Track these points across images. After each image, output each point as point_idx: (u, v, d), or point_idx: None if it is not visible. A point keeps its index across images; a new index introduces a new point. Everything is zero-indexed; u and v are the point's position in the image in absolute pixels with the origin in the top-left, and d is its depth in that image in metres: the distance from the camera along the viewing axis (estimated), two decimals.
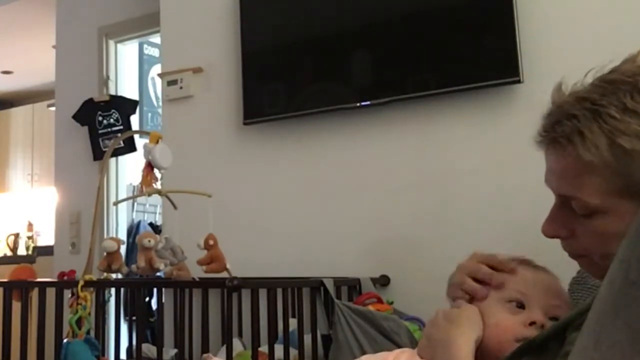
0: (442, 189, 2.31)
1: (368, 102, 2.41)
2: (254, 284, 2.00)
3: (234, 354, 1.93)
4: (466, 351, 0.90)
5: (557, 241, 0.94)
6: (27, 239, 6.03)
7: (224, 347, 2.07)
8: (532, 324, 0.92)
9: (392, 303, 2.17)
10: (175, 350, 2.40)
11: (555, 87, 0.90)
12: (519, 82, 2.14)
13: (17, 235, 6.03)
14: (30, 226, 6.10)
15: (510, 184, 2.17)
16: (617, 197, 0.82)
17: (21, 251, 5.95)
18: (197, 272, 2.28)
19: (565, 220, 0.89)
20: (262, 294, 1.94)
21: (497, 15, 2.20)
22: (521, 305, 0.95)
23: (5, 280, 2.41)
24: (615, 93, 0.82)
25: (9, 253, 5.90)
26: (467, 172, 2.27)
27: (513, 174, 2.17)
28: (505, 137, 2.21)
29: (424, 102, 2.35)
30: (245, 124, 2.67)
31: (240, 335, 2.46)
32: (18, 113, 6.44)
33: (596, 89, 0.84)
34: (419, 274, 2.27)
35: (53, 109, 4.33)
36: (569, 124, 0.84)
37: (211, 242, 2.21)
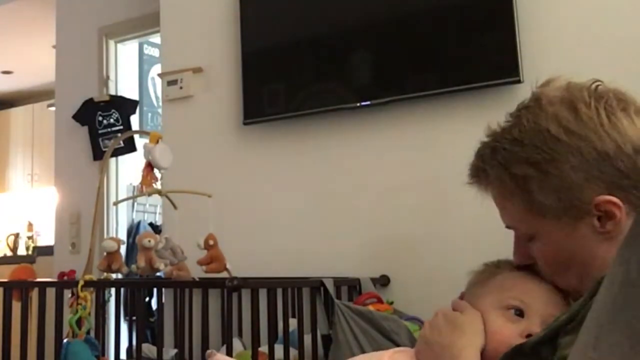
0: (442, 189, 2.31)
1: (368, 102, 2.41)
2: (254, 284, 2.00)
3: (234, 354, 1.93)
4: None
5: None
6: (27, 239, 6.03)
7: (224, 347, 2.07)
8: (529, 335, 0.90)
9: (392, 303, 2.17)
10: (175, 350, 2.40)
11: (485, 127, 1.03)
12: (519, 82, 2.14)
13: (17, 235, 6.04)
14: (30, 226, 6.10)
15: None
16: (537, 218, 0.91)
17: (21, 251, 5.95)
18: (197, 272, 2.28)
19: (523, 249, 0.97)
20: (262, 294, 1.94)
21: (497, 15, 2.20)
22: (520, 313, 0.94)
23: (5, 280, 2.41)
24: (509, 129, 0.95)
25: (9, 253, 5.90)
26: (467, 172, 2.26)
27: None
28: None
29: (424, 102, 2.35)
30: (245, 124, 2.67)
31: (240, 335, 2.46)
32: (18, 113, 6.45)
33: (503, 125, 0.98)
34: (419, 274, 2.27)
35: (53, 109, 4.33)
36: (477, 164, 1.01)
37: (211, 242, 2.21)
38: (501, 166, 0.93)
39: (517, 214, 0.94)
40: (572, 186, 0.87)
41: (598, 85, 0.92)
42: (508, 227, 0.99)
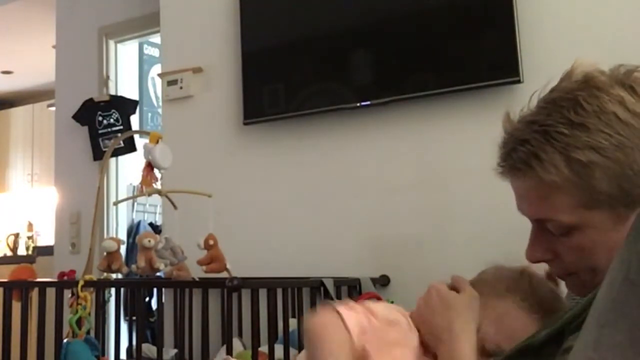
0: (442, 189, 2.31)
1: (368, 102, 2.41)
2: (254, 284, 2.00)
3: (234, 354, 1.93)
4: (471, 345, 0.89)
5: None
6: (27, 239, 6.03)
7: (224, 347, 2.07)
8: None
9: (392, 303, 2.17)
10: (175, 350, 2.40)
11: (504, 118, 0.95)
12: (519, 82, 2.14)
13: (17, 235, 6.03)
14: (30, 226, 6.10)
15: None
16: (587, 210, 0.84)
17: (21, 251, 5.95)
18: (197, 272, 2.28)
19: (546, 243, 0.90)
20: (262, 294, 1.93)
21: (497, 15, 2.20)
22: (490, 356, 0.93)
23: (5, 280, 2.41)
24: (559, 111, 0.85)
25: (9, 253, 5.90)
26: (467, 171, 2.26)
27: None
28: None
29: (424, 102, 2.35)
30: (245, 124, 2.67)
31: (240, 335, 2.46)
32: (18, 113, 6.44)
33: (541, 111, 0.88)
34: (419, 274, 2.27)
35: (53, 109, 4.33)
36: (523, 149, 0.87)
37: (211, 242, 2.21)
38: (559, 151, 0.84)
39: (564, 205, 0.85)
40: (636, 173, 0.82)
41: (632, 70, 0.87)
42: (537, 220, 0.91)
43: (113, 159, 3.79)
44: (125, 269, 2.35)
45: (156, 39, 3.80)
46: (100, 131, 3.81)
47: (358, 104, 2.43)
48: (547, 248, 0.90)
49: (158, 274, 2.38)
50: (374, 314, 0.93)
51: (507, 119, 0.94)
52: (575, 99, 0.85)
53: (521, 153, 0.88)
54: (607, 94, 0.84)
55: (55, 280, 2.39)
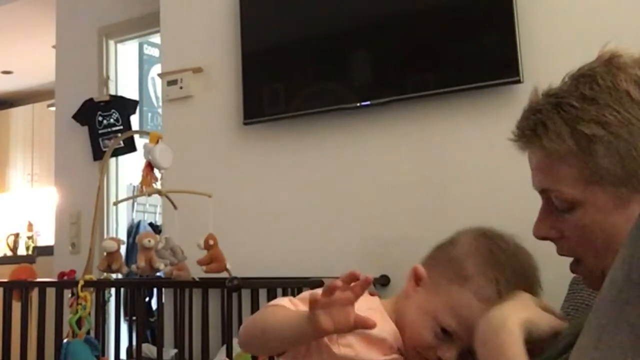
0: (442, 189, 2.31)
1: (368, 102, 2.41)
2: (254, 284, 2.00)
3: (234, 354, 1.93)
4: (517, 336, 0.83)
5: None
6: (27, 239, 6.03)
7: (224, 347, 2.07)
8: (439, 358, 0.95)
9: None
10: (175, 350, 2.40)
11: (531, 91, 0.94)
12: (519, 82, 2.14)
13: (17, 235, 6.03)
14: (30, 226, 6.10)
15: (511, 184, 2.17)
16: (589, 185, 0.84)
17: (21, 251, 5.95)
18: (197, 272, 2.28)
19: (552, 221, 0.90)
20: (262, 294, 1.94)
21: (497, 15, 2.20)
22: (447, 333, 0.95)
23: (5, 280, 2.41)
24: (575, 85, 0.87)
25: (9, 253, 5.90)
26: (467, 171, 2.26)
27: (513, 174, 2.17)
28: (505, 137, 2.20)
29: (424, 102, 2.35)
30: (245, 124, 2.67)
31: None
32: (18, 113, 6.44)
33: (562, 85, 0.89)
34: None
35: (53, 109, 4.33)
36: (534, 117, 0.89)
37: (211, 242, 2.21)
38: (566, 122, 0.85)
39: (566, 177, 0.86)
40: None
41: None
42: (543, 191, 0.91)
43: (113, 159, 3.79)
44: (125, 269, 2.35)
45: (156, 39, 3.80)
46: (100, 131, 3.81)
47: (358, 104, 2.43)
48: (552, 226, 0.90)
49: (158, 274, 2.38)
50: None
51: (534, 92, 0.93)
52: (592, 75, 0.86)
53: (531, 121, 0.89)
54: (625, 72, 0.85)
55: (55, 280, 2.39)
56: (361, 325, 0.86)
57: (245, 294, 2.33)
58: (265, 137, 2.69)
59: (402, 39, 2.39)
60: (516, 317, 0.83)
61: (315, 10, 2.59)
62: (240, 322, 2.45)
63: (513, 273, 0.97)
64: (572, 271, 0.93)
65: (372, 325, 0.85)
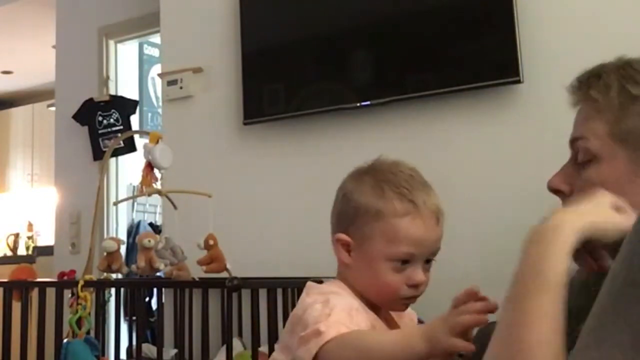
0: (442, 189, 2.30)
1: (368, 102, 2.41)
2: (254, 284, 2.00)
3: (234, 354, 1.93)
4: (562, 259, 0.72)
5: None
6: (27, 239, 6.03)
7: (224, 347, 2.07)
8: (414, 285, 0.98)
9: None
10: (175, 350, 2.40)
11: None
12: (519, 82, 2.14)
13: (17, 235, 6.03)
14: (30, 226, 6.10)
15: (511, 184, 2.17)
16: (614, 142, 0.87)
17: (21, 251, 5.95)
18: (197, 272, 2.28)
19: (568, 175, 0.93)
20: (262, 294, 1.93)
21: (497, 15, 2.20)
22: (406, 262, 0.98)
23: (5, 280, 2.41)
24: None
25: (9, 253, 5.90)
26: (467, 171, 2.26)
27: (513, 174, 2.17)
28: (506, 137, 2.21)
29: (424, 102, 2.35)
30: (245, 124, 2.67)
31: (240, 335, 2.46)
32: (18, 113, 6.44)
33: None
34: None
35: (53, 109, 4.33)
36: (594, 69, 0.93)
37: (211, 242, 2.21)
38: (619, 78, 0.89)
39: (597, 130, 0.89)
40: None
41: None
42: (573, 141, 0.93)
43: (113, 159, 3.79)
44: (125, 269, 2.35)
45: (156, 39, 3.80)
46: (100, 131, 3.81)
47: (358, 104, 2.43)
48: (565, 180, 0.93)
49: (158, 274, 2.38)
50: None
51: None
52: None
53: (589, 72, 0.93)
54: None
55: (55, 280, 2.39)
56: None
57: (245, 294, 2.33)
58: (265, 137, 2.68)
59: (402, 39, 2.39)
60: (578, 221, 0.75)
61: (315, 10, 2.59)
62: (240, 322, 2.46)
63: (403, 179, 1.05)
64: None
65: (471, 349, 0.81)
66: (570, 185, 0.93)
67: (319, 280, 2.03)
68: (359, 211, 1.01)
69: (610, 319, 0.49)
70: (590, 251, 0.79)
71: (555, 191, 0.95)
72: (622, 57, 0.93)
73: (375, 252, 0.99)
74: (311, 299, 0.96)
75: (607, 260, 0.81)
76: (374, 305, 1.02)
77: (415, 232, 0.98)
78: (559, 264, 0.69)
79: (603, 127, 0.88)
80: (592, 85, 0.91)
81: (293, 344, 0.91)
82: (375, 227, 0.99)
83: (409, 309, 1.08)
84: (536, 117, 2.15)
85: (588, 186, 0.87)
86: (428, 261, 1.02)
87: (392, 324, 1.04)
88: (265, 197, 2.66)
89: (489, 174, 2.23)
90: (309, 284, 1.03)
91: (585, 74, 0.94)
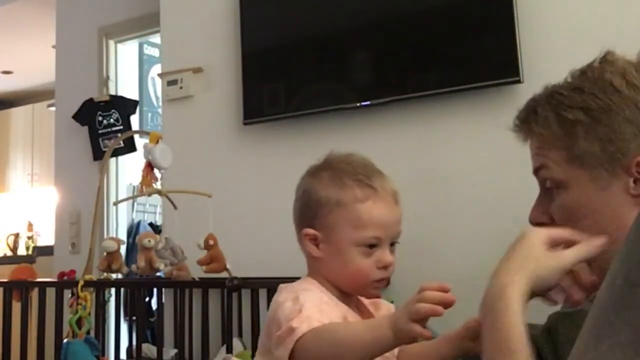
0: (442, 189, 2.31)
1: (368, 102, 2.41)
2: (254, 284, 2.00)
3: (234, 354, 1.93)
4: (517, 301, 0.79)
5: None
6: (27, 239, 6.03)
7: (224, 347, 2.07)
8: (384, 267, 1.00)
9: (392, 302, 2.17)
10: (175, 350, 2.40)
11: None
12: (519, 82, 2.14)
13: (17, 235, 6.03)
14: (30, 226, 6.10)
15: (511, 184, 2.17)
16: (573, 167, 0.90)
17: (21, 251, 5.95)
18: (197, 272, 2.28)
19: (545, 206, 0.96)
20: (262, 294, 1.94)
21: (497, 15, 2.20)
22: (373, 246, 1.00)
23: (5, 280, 2.41)
24: (570, 78, 0.95)
25: (9, 253, 5.90)
26: (467, 171, 2.26)
27: (513, 174, 2.17)
28: (506, 137, 2.20)
29: (424, 102, 2.35)
30: (245, 124, 2.67)
31: (240, 335, 2.46)
32: (18, 113, 6.44)
33: (562, 80, 0.96)
34: (419, 274, 2.26)
35: (53, 109, 4.33)
36: (528, 107, 0.97)
37: (211, 242, 2.21)
38: (553, 108, 0.92)
39: (554, 158, 0.93)
40: (619, 138, 0.87)
41: None
42: (537, 173, 0.97)
43: (113, 159, 3.79)
44: (125, 269, 2.35)
45: (156, 39, 3.80)
46: (100, 131, 3.81)
47: (358, 104, 2.43)
48: (544, 211, 0.96)
49: (158, 274, 2.38)
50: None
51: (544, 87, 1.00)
52: (584, 70, 0.94)
53: (525, 110, 0.97)
54: (612, 66, 0.92)
55: (55, 280, 2.39)
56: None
57: (245, 294, 2.33)
58: (265, 137, 2.69)
59: (402, 39, 2.39)
60: (516, 280, 0.79)
61: (315, 10, 2.59)
62: (240, 322, 2.46)
63: (359, 167, 1.08)
64: None
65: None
66: (549, 215, 0.95)
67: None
68: (321, 203, 1.05)
69: (609, 319, 0.49)
70: (543, 294, 0.84)
71: (537, 224, 0.96)
72: (547, 85, 0.97)
73: (343, 240, 1.01)
74: (281, 298, 0.98)
75: (563, 294, 0.85)
76: (346, 297, 1.04)
77: (378, 215, 1.01)
78: (517, 330, 0.74)
79: (559, 154, 0.92)
80: (532, 122, 0.95)
81: (272, 345, 0.92)
82: (340, 216, 1.02)
83: (387, 302, 1.11)
84: None
85: (565, 210, 0.92)
86: (392, 244, 1.05)
87: (366, 314, 1.06)
88: (265, 197, 2.66)
89: (489, 173, 2.23)
90: (281, 285, 1.05)
91: (522, 113, 0.97)
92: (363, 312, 1.06)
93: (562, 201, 0.92)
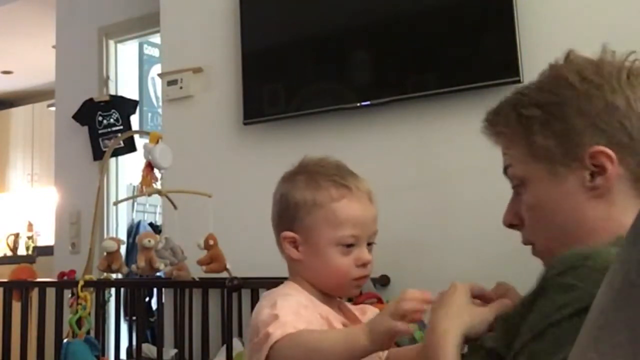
0: (442, 189, 2.31)
1: (368, 102, 2.41)
2: (254, 284, 2.00)
3: (234, 354, 1.93)
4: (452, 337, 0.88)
5: None
6: (27, 239, 6.03)
7: (224, 347, 2.07)
8: (363, 265, 1.03)
9: None
10: (175, 350, 2.40)
11: None
12: (519, 82, 2.13)
13: (17, 235, 6.03)
14: (30, 226, 6.10)
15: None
16: (532, 162, 0.93)
17: (21, 251, 5.95)
18: (197, 272, 2.28)
19: (516, 207, 0.99)
20: (262, 294, 1.93)
21: (497, 15, 2.20)
22: (351, 245, 1.02)
23: (5, 280, 2.41)
24: (534, 79, 0.99)
25: (9, 253, 5.90)
26: (467, 171, 2.26)
27: None
28: None
29: (424, 102, 2.35)
30: (245, 124, 2.67)
31: (240, 335, 2.46)
32: (18, 113, 6.44)
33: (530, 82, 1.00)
34: (419, 274, 2.27)
35: (53, 109, 4.33)
36: (493, 109, 1.00)
37: (211, 242, 2.22)
38: (513, 107, 0.96)
39: (516, 155, 0.96)
40: (573, 131, 0.89)
41: (637, 60, 0.95)
42: (505, 172, 1.01)
43: (113, 159, 3.79)
44: (125, 269, 2.35)
45: (156, 39, 3.80)
46: (100, 131, 3.81)
47: (358, 104, 2.43)
48: (515, 213, 0.99)
49: (158, 274, 2.38)
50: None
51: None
52: (547, 69, 0.99)
53: (491, 111, 1.00)
54: (570, 64, 0.97)
55: (55, 280, 2.40)
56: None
57: (245, 294, 2.33)
58: (265, 137, 2.69)
59: (402, 39, 2.39)
60: (452, 331, 0.87)
61: (315, 10, 2.59)
62: (240, 322, 2.46)
63: (332, 169, 1.10)
64: (533, 255, 0.98)
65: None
66: (519, 216, 0.98)
67: None
68: (299, 205, 1.06)
69: (608, 320, 0.49)
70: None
71: (510, 226, 1.00)
72: (516, 87, 1.01)
73: (322, 240, 1.03)
74: (261, 305, 0.99)
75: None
76: (328, 299, 1.05)
77: (354, 212, 1.04)
78: None
79: (520, 150, 0.94)
80: (495, 123, 0.98)
81: (251, 352, 0.94)
82: (317, 216, 1.03)
83: (374, 308, 1.12)
84: None
85: (530, 209, 0.94)
86: (369, 244, 1.08)
87: (349, 316, 1.07)
88: (266, 197, 2.65)
89: (489, 174, 2.23)
90: (265, 292, 1.06)
91: (488, 114, 1.00)
92: (346, 314, 1.07)
93: (526, 199, 0.95)
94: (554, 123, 0.90)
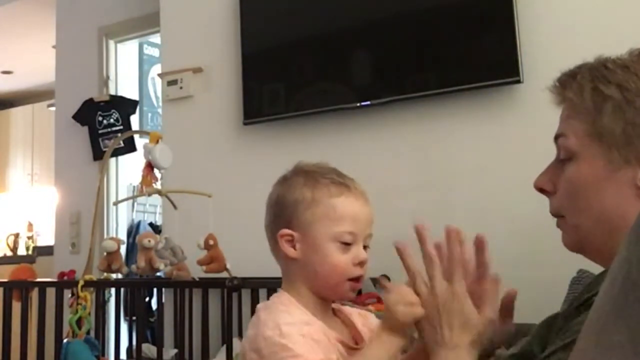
0: (442, 189, 2.31)
1: (368, 102, 2.41)
2: (254, 284, 2.00)
3: (234, 354, 1.93)
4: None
5: (559, 241, 0.95)
6: (27, 239, 6.03)
7: (224, 347, 2.07)
8: (360, 263, 1.03)
9: None
10: (175, 350, 2.40)
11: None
12: (519, 82, 2.14)
13: (17, 235, 6.03)
14: (30, 226, 6.10)
15: (511, 184, 2.17)
16: (590, 140, 0.89)
17: (21, 251, 5.95)
18: (197, 272, 2.28)
19: (553, 174, 0.96)
20: (262, 294, 1.94)
21: (497, 15, 2.20)
22: (348, 244, 1.03)
23: (5, 280, 2.41)
24: (626, 55, 0.93)
25: (9, 253, 5.90)
26: (467, 171, 2.26)
27: (513, 174, 2.17)
28: (506, 136, 2.21)
29: (424, 102, 2.35)
30: (245, 124, 2.67)
31: (240, 335, 2.46)
32: (18, 113, 6.44)
33: (618, 55, 0.94)
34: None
35: (53, 109, 4.33)
36: (571, 71, 0.94)
37: (211, 242, 2.22)
38: (592, 79, 0.91)
39: (575, 128, 0.92)
40: None
41: None
42: (556, 138, 0.96)
43: (113, 159, 3.79)
44: (125, 269, 2.35)
45: (156, 39, 3.80)
46: (100, 131, 3.82)
47: (358, 104, 2.43)
48: (550, 178, 0.96)
49: (158, 274, 2.38)
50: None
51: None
52: (636, 50, 0.93)
53: (566, 74, 0.95)
54: None
55: (55, 280, 2.40)
56: None
57: (245, 293, 2.33)
58: (265, 137, 2.68)
59: (402, 39, 2.39)
60: (462, 344, 0.91)
61: (315, 10, 2.59)
62: (240, 322, 2.46)
63: (328, 170, 1.11)
64: (557, 226, 0.97)
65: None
66: (554, 183, 0.95)
67: None
68: (297, 202, 1.07)
69: (609, 320, 0.49)
70: None
71: (540, 190, 0.97)
72: (600, 56, 0.95)
73: (320, 235, 1.03)
74: (264, 327, 0.97)
75: None
76: (322, 308, 1.04)
77: (352, 209, 1.05)
78: None
79: (581, 125, 0.91)
80: (567, 86, 0.93)
81: None
82: (316, 212, 1.04)
83: (375, 318, 1.11)
84: (536, 117, 2.14)
85: (570, 182, 0.92)
86: (364, 247, 1.08)
87: (347, 322, 1.08)
88: (265, 197, 2.65)
89: (489, 173, 2.23)
90: (258, 307, 1.04)
91: (563, 75, 0.95)
92: (344, 321, 1.07)
93: (571, 173, 0.92)
94: (628, 110, 0.87)
